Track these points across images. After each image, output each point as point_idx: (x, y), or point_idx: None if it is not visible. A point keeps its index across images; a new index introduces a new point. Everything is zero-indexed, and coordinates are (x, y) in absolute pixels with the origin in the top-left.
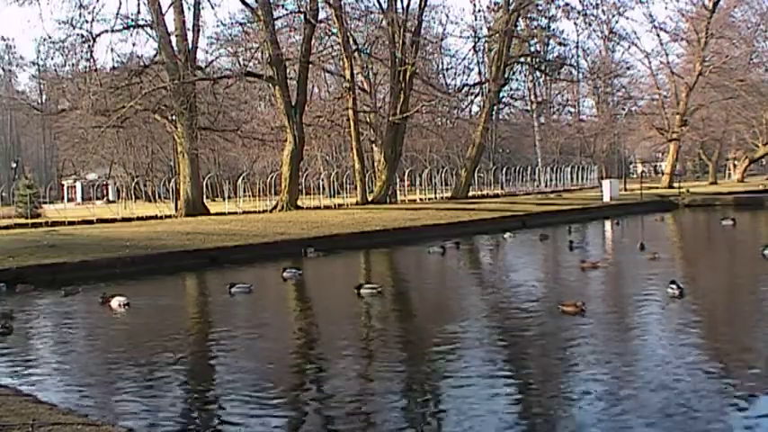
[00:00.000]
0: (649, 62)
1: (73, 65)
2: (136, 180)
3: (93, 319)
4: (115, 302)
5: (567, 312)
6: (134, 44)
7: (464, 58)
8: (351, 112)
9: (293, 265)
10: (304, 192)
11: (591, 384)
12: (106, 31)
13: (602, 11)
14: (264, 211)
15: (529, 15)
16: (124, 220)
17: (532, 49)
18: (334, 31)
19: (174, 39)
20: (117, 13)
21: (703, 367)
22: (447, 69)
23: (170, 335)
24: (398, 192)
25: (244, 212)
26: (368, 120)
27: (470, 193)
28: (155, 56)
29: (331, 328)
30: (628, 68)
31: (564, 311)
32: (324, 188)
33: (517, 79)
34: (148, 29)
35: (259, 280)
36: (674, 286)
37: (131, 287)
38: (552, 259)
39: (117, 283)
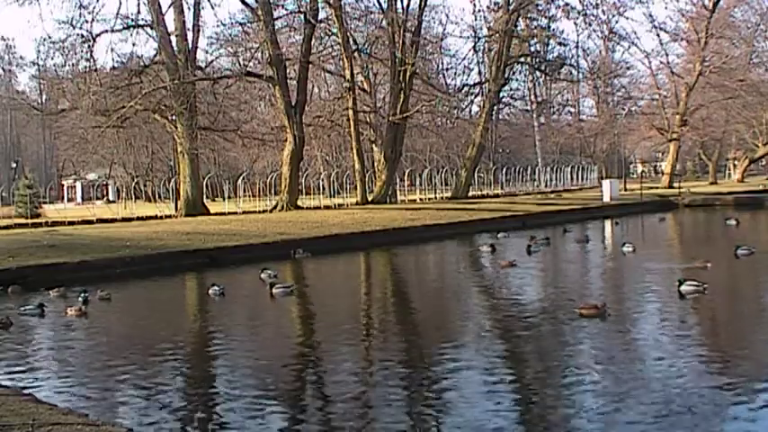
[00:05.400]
0: (649, 62)
1: (73, 65)
2: (136, 180)
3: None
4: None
5: (586, 315)
6: (134, 44)
7: (464, 58)
8: (351, 112)
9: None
10: (304, 192)
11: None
12: (106, 31)
13: (602, 11)
14: (264, 211)
15: (529, 15)
16: (124, 220)
17: (532, 49)
18: (334, 31)
19: (174, 39)
20: (117, 13)
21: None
22: (447, 69)
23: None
24: (398, 192)
25: (244, 212)
26: (368, 120)
27: (470, 193)
28: (155, 56)
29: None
30: (628, 68)
31: (582, 314)
32: (324, 188)
33: (517, 79)
34: (148, 29)
35: (245, 281)
36: (695, 283)
37: (123, 287)
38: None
39: (116, 284)
